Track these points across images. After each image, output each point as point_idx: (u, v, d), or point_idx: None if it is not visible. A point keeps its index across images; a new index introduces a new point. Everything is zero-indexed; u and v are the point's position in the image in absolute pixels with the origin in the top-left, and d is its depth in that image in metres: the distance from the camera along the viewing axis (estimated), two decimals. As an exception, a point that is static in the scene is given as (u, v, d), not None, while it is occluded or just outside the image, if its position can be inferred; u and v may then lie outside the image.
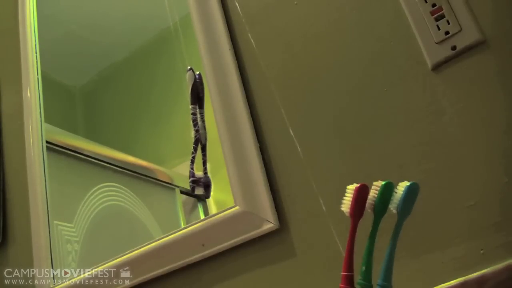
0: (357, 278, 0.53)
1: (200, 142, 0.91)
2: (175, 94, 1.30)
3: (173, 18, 1.14)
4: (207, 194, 0.93)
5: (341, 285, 0.53)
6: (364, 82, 0.70)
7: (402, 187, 0.53)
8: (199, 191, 0.92)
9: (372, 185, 0.54)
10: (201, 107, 0.90)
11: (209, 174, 0.93)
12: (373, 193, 0.54)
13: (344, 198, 0.54)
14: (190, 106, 0.91)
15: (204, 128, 0.91)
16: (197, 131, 0.91)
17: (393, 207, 0.53)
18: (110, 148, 1.27)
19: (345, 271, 0.54)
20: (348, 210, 0.54)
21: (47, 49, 1.23)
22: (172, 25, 1.25)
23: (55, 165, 1.10)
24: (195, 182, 0.91)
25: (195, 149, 0.92)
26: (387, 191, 0.53)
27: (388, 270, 0.53)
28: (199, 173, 0.92)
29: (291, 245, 0.71)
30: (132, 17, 1.45)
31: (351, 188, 0.54)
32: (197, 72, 0.91)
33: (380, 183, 0.53)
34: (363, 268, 0.53)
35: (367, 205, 0.54)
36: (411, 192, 0.53)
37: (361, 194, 0.53)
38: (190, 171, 0.91)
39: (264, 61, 0.80)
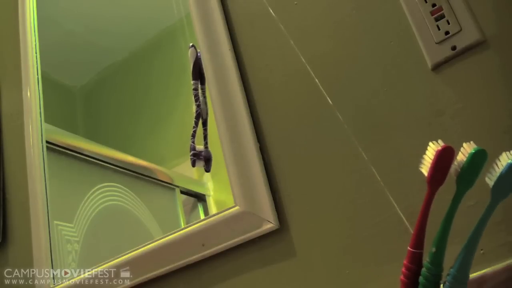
0: (424, 260, 0.46)
1: (201, 117, 0.92)
2: (175, 94, 1.30)
3: (174, 18, 1.14)
4: (207, 168, 0.93)
5: (405, 262, 0.46)
6: (364, 82, 0.70)
7: (505, 160, 0.43)
8: (200, 164, 0.92)
9: (461, 147, 0.45)
10: (203, 83, 0.90)
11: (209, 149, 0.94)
12: (462, 157, 0.44)
13: (424, 156, 0.46)
14: (192, 82, 0.92)
15: (206, 103, 0.92)
16: (198, 105, 0.92)
17: (490, 181, 0.44)
18: (110, 148, 1.27)
19: (412, 247, 0.45)
20: (425, 172, 0.45)
21: (47, 49, 1.23)
22: (172, 25, 1.25)
23: (55, 165, 1.09)
24: (196, 155, 0.92)
25: (196, 124, 0.93)
26: (478, 160, 0.43)
27: (466, 258, 0.43)
28: (199, 147, 0.93)
29: (291, 245, 0.71)
30: (132, 17, 1.45)
31: (433, 146, 0.45)
32: (199, 51, 0.92)
33: (471, 147, 0.44)
34: (433, 249, 0.44)
35: (452, 170, 0.44)
36: None
37: (444, 158, 0.44)
38: (191, 144, 0.92)
39: (264, 61, 0.80)
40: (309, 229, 0.70)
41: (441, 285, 0.45)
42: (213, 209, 1.17)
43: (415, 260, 0.45)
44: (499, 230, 0.56)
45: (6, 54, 1.25)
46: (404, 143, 0.65)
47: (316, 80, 0.74)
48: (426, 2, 0.66)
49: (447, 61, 0.64)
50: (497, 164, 0.44)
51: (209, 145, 0.93)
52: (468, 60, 0.63)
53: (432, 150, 0.45)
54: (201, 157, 0.92)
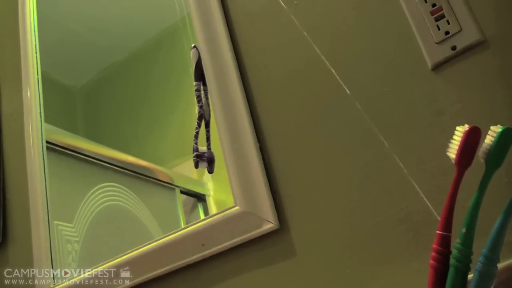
0: (455, 241, 0.46)
1: (204, 118, 0.92)
2: (175, 94, 1.30)
3: (174, 18, 1.14)
4: (210, 169, 0.93)
5: (434, 246, 0.46)
6: (364, 82, 0.70)
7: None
8: (203, 165, 0.92)
9: (489, 129, 0.46)
10: (205, 84, 0.90)
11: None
12: (489, 139, 0.45)
13: (452, 141, 0.47)
14: (194, 83, 0.92)
15: (208, 104, 0.92)
16: (201, 107, 0.92)
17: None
18: (110, 148, 1.27)
19: (441, 230, 0.45)
20: (454, 156, 0.45)
21: (47, 49, 1.23)
22: (172, 25, 1.25)
23: (55, 165, 1.09)
24: (199, 156, 0.92)
25: (199, 125, 0.93)
26: (505, 139, 0.44)
27: (498, 238, 0.43)
28: (202, 148, 0.93)
29: (291, 245, 0.71)
30: (132, 17, 1.45)
31: (461, 130, 0.46)
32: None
33: (498, 128, 0.45)
34: (463, 230, 0.44)
35: (480, 153, 0.45)
36: None
37: (472, 138, 0.45)
38: (194, 146, 0.92)
39: (264, 61, 0.80)
40: (309, 229, 0.70)
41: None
42: (213, 209, 1.17)
43: (444, 243, 0.45)
44: (499, 230, 0.56)
45: (6, 54, 1.25)
46: (404, 143, 0.65)
47: (316, 80, 0.74)
48: (426, 2, 0.66)
49: (447, 61, 0.64)
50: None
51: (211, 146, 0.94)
52: (468, 60, 0.63)
53: (459, 132, 0.46)
54: (204, 158, 0.92)
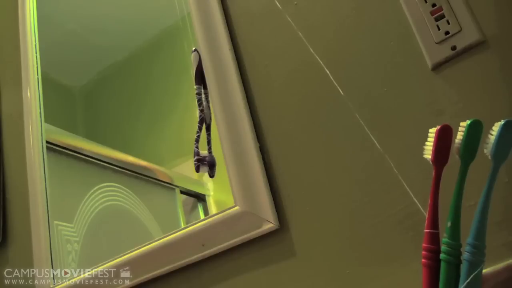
0: (442, 237, 0.47)
1: (204, 122, 0.92)
2: (175, 94, 1.30)
3: (174, 18, 1.14)
4: (211, 173, 0.93)
5: (424, 245, 0.47)
6: (364, 82, 0.70)
7: (497, 127, 0.46)
8: (204, 169, 0.92)
9: (459, 126, 0.48)
10: (206, 87, 0.90)
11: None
12: (460, 135, 0.47)
13: (426, 143, 0.49)
14: (195, 86, 0.92)
15: (209, 108, 0.91)
16: (201, 110, 0.92)
17: (487, 151, 0.46)
18: (110, 148, 1.27)
19: (428, 228, 0.46)
20: (430, 157, 0.47)
21: (47, 49, 1.23)
22: (172, 24, 1.25)
23: (55, 165, 1.10)
24: (200, 160, 0.92)
25: (200, 129, 0.93)
26: (474, 131, 0.46)
27: (481, 226, 0.44)
28: (203, 152, 0.93)
29: (291, 245, 0.71)
30: (132, 18, 1.45)
31: (433, 131, 0.47)
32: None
33: (466, 122, 0.46)
34: (449, 223, 0.45)
35: (454, 149, 0.46)
36: (507, 131, 0.45)
37: (443, 136, 0.46)
38: (194, 150, 0.92)
39: (264, 61, 0.80)
40: (309, 229, 0.70)
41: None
42: (213, 209, 1.17)
43: (434, 240, 0.46)
44: (499, 229, 0.56)
45: (6, 54, 1.25)
46: (404, 143, 0.65)
47: (316, 80, 0.74)
48: (426, 2, 0.66)
49: (447, 61, 0.64)
50: (491, 133, 0.46)
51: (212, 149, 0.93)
52: (468, 60, 0.63)
53: (432, 134, 0.47)
54: (205, 162, 0.92)
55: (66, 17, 1.48)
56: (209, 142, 0.93)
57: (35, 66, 1.15)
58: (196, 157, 0.91)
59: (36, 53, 1.17)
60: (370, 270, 0.64)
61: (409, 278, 0.60)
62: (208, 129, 0.93)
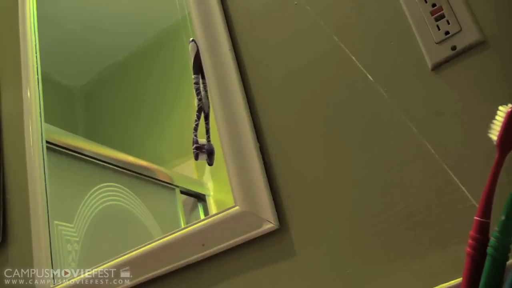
0: (493, 230, 0.44)
1: (203, 111, 0.92)
2: (175, 94, 1.30)
3: (174, 18, 1.14)
4: (210, 161, 0.93)
5: (471, 233, 0.44)
6: (364, 82, 0.70)
7: (503, 111, 0.43)
8: (203, 157, 0.92)
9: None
10: (204, 77, 0.90)
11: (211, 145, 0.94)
12: None
13: (494, 121, 0.44)
14: (193, 76, 0.92)
15: (207, 97, 0.92)
16: (200, 99, 0.92)
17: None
18: (110, 148, 1.27)
19: (479, 216, 0.43)
20: (496, 138, 0.43)
21: (47, 49, 1.23)
22: (172, 24, 1.25)
23: (55, 165, 1.10)
24: (199, 148, 0.92)
25: (198, 117, 0.93)
26: None
27: None
28: (202, 140, 0.93)
29: (291, 245, 0.71)
30: (132, 17, 1.45)
31: (503, 110, 0.43)
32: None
33: None
34: (502, 217, 0.42)
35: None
36: None
37: None
38: (193, 138, 0.92)
39: (264, 61, 0.80)
40: (309, 229, 0.70)
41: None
42: (213, 209, 1.17)
43: (482, 230, 0.43)
44: (499, 230, 0.56)
45: (6, 54, 1.25)
46: (404, 144, 0.65)
47: (316, 81, 0.74)
48: (426, 2, 0.66)
49: (447, 61, 0.64)
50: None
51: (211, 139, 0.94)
52: (468, 60, 0.63)
53: (502, 113, 0.44)
54: (204, 150, 0.92)
55: (66, 17, 1.48)
56: (207, 131, 0.94)
57: (35, 66, 1.15)
58: (195, 145, 0.92)
59: (36, 53, 1.16)
60: (370, 270, 0.64)
61: (409, 278, 0.60)
62: (206, 118, 0.93)
